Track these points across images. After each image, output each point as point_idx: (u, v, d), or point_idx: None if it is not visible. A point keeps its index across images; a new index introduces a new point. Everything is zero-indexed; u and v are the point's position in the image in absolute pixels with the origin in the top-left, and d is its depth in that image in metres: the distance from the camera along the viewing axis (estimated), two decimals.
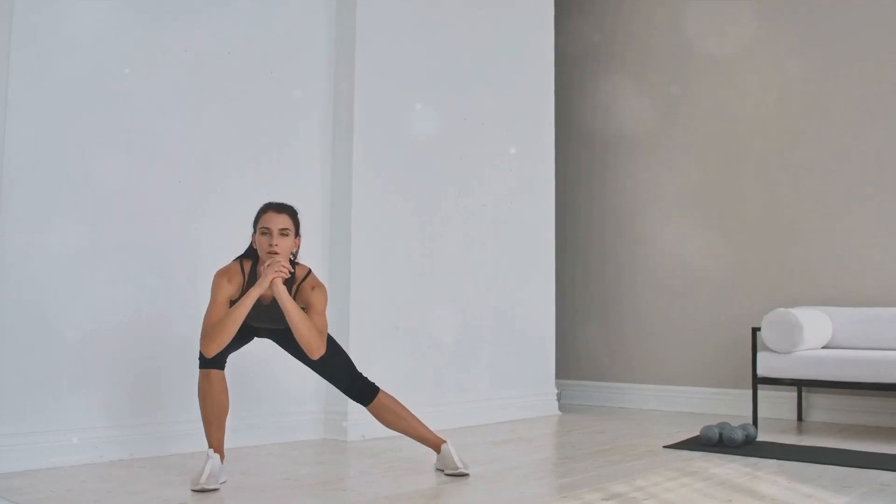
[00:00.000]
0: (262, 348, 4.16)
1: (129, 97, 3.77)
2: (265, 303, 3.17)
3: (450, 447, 3.40)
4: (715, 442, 4.12)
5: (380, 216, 4.61)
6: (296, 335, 3.07)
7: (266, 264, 3.05)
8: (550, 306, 5.69)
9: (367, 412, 4.37)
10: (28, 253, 3.43)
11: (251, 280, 3.15)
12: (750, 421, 5.11)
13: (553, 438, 4.56)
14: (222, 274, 3.14)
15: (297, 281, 3.20)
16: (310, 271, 3.26)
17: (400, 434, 3.72)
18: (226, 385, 3.19)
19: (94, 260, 3.63)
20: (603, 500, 2.91)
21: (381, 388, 3.47)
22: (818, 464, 3.66)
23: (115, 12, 3.74)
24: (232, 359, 3.53)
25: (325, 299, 3.20)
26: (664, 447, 4.10)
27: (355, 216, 4.46)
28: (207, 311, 3.10)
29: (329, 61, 4.61)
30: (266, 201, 3.24)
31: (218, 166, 4.08)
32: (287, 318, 3.07)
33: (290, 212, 3.16)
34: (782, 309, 4.83)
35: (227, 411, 3.21)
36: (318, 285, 3.21)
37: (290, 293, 3.15)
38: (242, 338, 3.31)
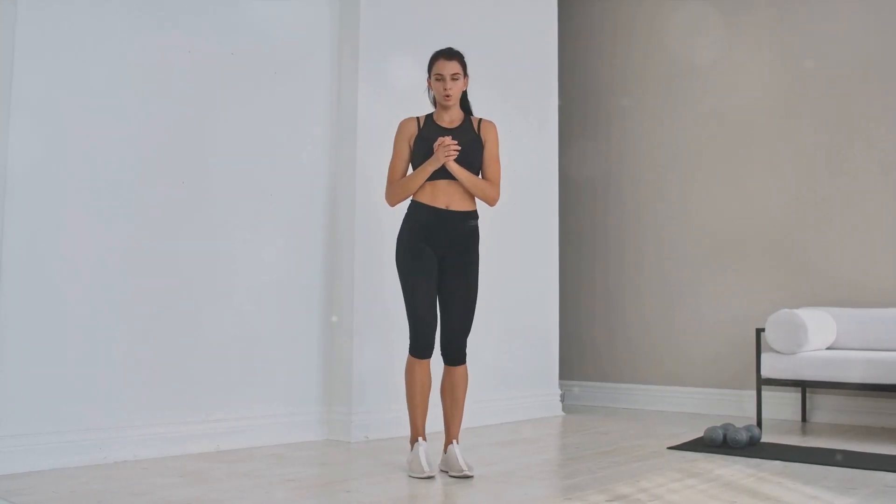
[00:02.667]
0: (265, 348, 4.16)
1: (133, 98, 3.77)
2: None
3: (455, 449, 3.41)
4: (719, 443, 4.11)
5: (384, 217, 4.59)
6: (475, 195, 3.46)
7: (436, 145, 3.34)
8: (554, 307, 5.68)
9: (373, 411, 4.38)
10: (32, 254, 3.43)
11: (427, 122, 3.50)
12: (754, 422, 5.10)
13: (557, 439, 4.56)
14: (401, 123, 3.54)
15: (476, 123, 3.54)
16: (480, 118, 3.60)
17: (404, 435, 3.73)
18: (429, 370, 3.45)
19: (99, 260, 3.63)
20: (607, 501, 2.91)
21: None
22: (822, 465, 3.65)
23: (118, 14, 3.74)
24: (235, 360, 3.53)
25: (498, 137, 3.57)
26: (668, 448, 4.09)
27: (358, 217, 4.46)
28: (391, 163, 3.55)
29: (332, 61, 4.60)
30: (435, 50, 3.54)
31: (221, 167, 4.08)
32: (464, 185, 3.41)
33: (458, 57, 3.50)
34: (786, 310, 4.82)
35: (430, 390, 3.46)
36: (492, 124, 3.57)
37: (476, 130, 3.50)
38: (433, 277, 3.44)
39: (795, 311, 4.81)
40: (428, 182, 3.41)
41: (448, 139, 3.33)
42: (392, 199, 3.52)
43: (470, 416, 4.87)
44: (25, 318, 3.41)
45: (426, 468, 3.28)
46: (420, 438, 3.40)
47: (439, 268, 3.49)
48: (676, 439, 4.40)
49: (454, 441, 3.45)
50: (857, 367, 4.54)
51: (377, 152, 4.57)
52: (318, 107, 4.53)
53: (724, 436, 4.11)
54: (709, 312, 5.79)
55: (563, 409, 5.68)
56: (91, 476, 3.28)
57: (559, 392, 5.64)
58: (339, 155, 4.56)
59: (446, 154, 3.31)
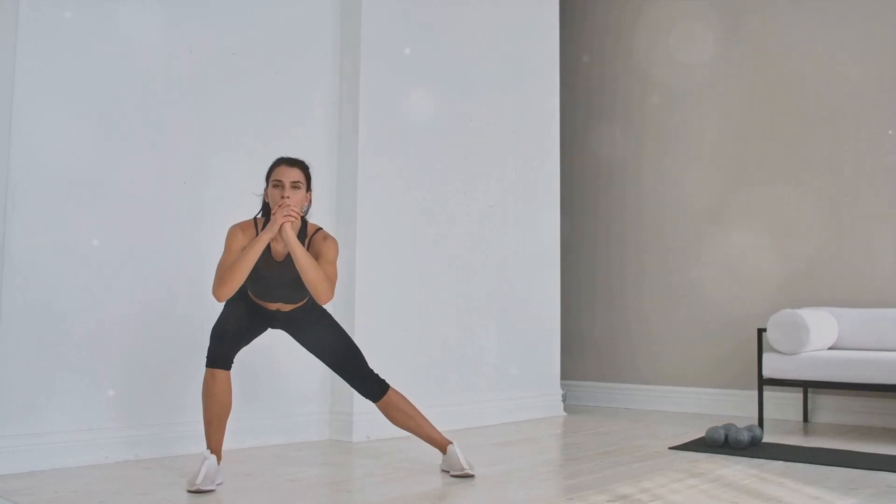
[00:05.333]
0: (266, 348, 4.16)
1: (135, 98, 3.78)
2: (278, 259, 3.20)
3: (456, 448, 3.40)
4: (721, 443, 4.11)
5: (385, 217, 4.60)
6: (304, 279, 3.10)
7: (275, 210, 3.10)
8: (555, 307, 5.68)
9: (375, 411, 4.37)
10: (34, 254, 3.44)
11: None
12: (756, 422, 5.10)
13: (558, 439, 4.56)
14: (236, 226, 3.22)
15: (309, 234, 3.26)
16: (320, 227, 3.32)
17: (406, 435, 3.72)
18: (230, 386, 3.20)
19: (100, 261, 3.63)
20: (608, 501, 2.91)
21: (391, 385, 3.48)
22: (824, 465, 3.65)
23: (120, 14, 3.75)
24: (238, 359, 3.53)
25: (337, 251, 3.26)
26: (670, 448, 4.09)
27: (360, 217, 4.46)
28: (221, 260, 3.15)
29: (334, 62, 4.61)
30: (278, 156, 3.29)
31: (223, 167, 4.09)
32: (296, 263, 3.09)
33: (301, 166, 3.23)
34: (788, 310, 4.82)
35: (229, 412, 3.21)
36: (329, 237, 3.27)
37: (304, 243, 3.22)
38: (254, 331, 3.31)
39: (797, 311, 4.80)
40: (255, 297, 3.25)
41: (290, 204, 3.09)
42: (222, 287, 3.05)
43: (471, 416, 4.89)
44: (29, 319, 3.41)
45: (198, 482, 2.98)
46: (209, 452, 3.12)
47: (297, 340, 3.41)
48: (678, 439, 4.39)
49: (451, 443, 3.44)
50: (860, 367, 4.54)
51: (379, 152, 4.58)
52: (319, 107, 4.53)
53: (726, 436, 4.11)
54: (710, 312, 5.78)
55: (565, 410, 5.68)
56: (93, 476, 3.29)
57: (560, 392, 5.64)
58: (342, 155, 4.57)
59: (285, 213, 3.04)
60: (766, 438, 4.47)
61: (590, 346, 6.32)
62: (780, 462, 3.73)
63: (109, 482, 3.18)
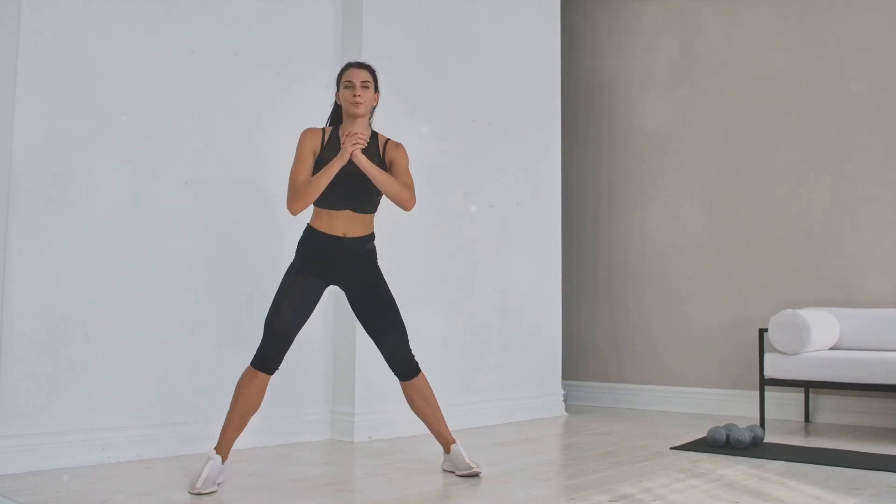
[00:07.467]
0: None
1: (136, 98, 3.78)
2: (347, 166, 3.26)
3: (459, 448, 3.41)
4: (722, 443, 4.11)
5: (386, 217, 4.60)
6: (385, 194, 3.27)
7: (344, 138, 3.19)
8: (557, 307, 5.68)
9: (376, 411, 4.38)
10: (35, 255, 3.44)
11: (332, 139, 3.32)
12: (757, 422, 5.10)
13: (560, 439, 4.56)
14: (306, 132, 3.33)
15: (381, 143, 3.39)
16: (388, 137, 3.45)
17: (407, 435, 3.73)
18: (264, 390, 3.20)
19: (101, 261, 3.63)
20: (610, 501, 2.91)
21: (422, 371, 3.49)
22: (826, 465, 3.65)
23: (121, 14, 3.75)
24: (239, 360, 3.53)
25: (408, 157, 3.43)
26: (671, 448, 4.09)
27: None
28: (292, 169, 3.26)
29: (335, 62, 4.61)
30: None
31: (224, 167, 4.09)
32: (374, 182, 3.22)
33: (369, 68, 3.40)
34: (790, 310, 4.82)
35: (253, 414, 3.21)
36: (399, 145, 3.42)
37: (379, 152, 3.36)
38: (312, 300, 3.29)
39: (798, 311, 4.80)
40: (325, 210, 3.27)
41: (356, 131, 3.19)
42: (295, 204, 3.20)
43: (472, 416, 4.89)
44: (30, 319, 3.41)
45: (199, 485, 2.98)
46: (214, 452, 3.12)
47: (349, 300, 3.42)
48: (679, 439, 4.40)
49: (454, 442, 3.44)
50: (861, 367, 4.54)
51: None
52: (321, 107, 4.52)
53: (728, 436, 4.11)
54: (711, 312, 5.78)
55: (566, 410, 5.68)
56: (96, 476, 3.29)
57: (562, 392, 5.64)
58: None
59: (353, 142, 3.15)
60: (768, 438, 4.47)
61: (591, 346, 6.32)
62: (782, 462, 3.74)
63: (111, 482, 3.19)
